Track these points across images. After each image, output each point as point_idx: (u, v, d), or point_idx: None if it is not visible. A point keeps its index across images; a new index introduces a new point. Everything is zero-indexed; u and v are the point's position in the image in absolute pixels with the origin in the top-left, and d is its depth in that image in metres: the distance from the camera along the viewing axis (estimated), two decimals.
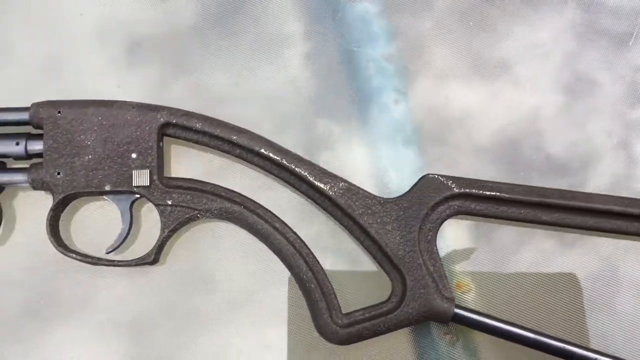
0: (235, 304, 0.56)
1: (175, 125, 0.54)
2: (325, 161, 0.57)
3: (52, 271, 0.56)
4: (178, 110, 0.54)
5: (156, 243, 0.54)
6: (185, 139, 0.55)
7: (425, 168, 0.58)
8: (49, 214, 0.53)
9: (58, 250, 0.53)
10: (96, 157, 0.53)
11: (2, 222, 0.54)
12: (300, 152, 0.54)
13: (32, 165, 0.54)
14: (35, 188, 0.53)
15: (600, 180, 0.58)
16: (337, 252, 0.57)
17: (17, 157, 0.54)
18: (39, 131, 0.54)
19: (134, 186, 0.53)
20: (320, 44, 0.60)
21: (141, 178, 0.53)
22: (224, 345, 0.55)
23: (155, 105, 0.55)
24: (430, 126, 0.59)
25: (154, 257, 0.54)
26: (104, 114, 0.53)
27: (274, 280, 0.56)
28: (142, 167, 0.53)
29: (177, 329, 0.55)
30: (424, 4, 0.60)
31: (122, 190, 0.53)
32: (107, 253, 0.54)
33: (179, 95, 0.59)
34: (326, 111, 0.58)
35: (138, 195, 0.54)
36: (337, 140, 0.58)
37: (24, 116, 0.53)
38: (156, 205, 0.53)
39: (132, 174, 0.53)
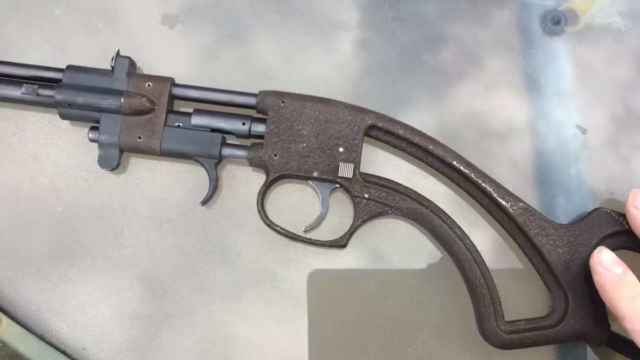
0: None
1: (379, 129, 0.61)
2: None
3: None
4: (384, 115, 0.61)
5: (349, 230, 0.60)
6: (385, 141, 0.62)
7: None
8: (261, 189, 0.60)
9: (265, 223, 0.60)
10: (309, 146, 0.60)
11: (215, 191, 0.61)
12: None
13: (253, 145, 0.61)
14: (252, 165, 0.61)
15: None
16: (501, 264, 0.62)
17: (240, 135, 0.61)
18: (261, 116, 0.61)
19: (339, 176, 0.59)
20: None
21: (346, 170, 0.59)
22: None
23: (365, 108, 0.61)
24: None
25: (346, 242, 0.60)
26: (320, 109, 0.60)
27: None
28: (347, 161, 0.60)
29: None
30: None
31: (327, 178, 0.60)
32: (305, 232, 0.61)
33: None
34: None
35: (338, 185, 0.60)
36: None
37: (251, 101, 0.61)
38: (354, 196, 0.60)
39: (338, 165, 0.60)
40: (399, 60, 0.65)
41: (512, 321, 0.59)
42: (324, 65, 0.65)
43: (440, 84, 0.65)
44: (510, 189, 0.61)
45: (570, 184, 0.63)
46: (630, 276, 0.54)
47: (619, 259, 0.55)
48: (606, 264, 0.55)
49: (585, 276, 0.58)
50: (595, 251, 0.56)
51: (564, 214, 0.63)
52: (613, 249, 0.59)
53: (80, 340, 0.61)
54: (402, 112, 0.64)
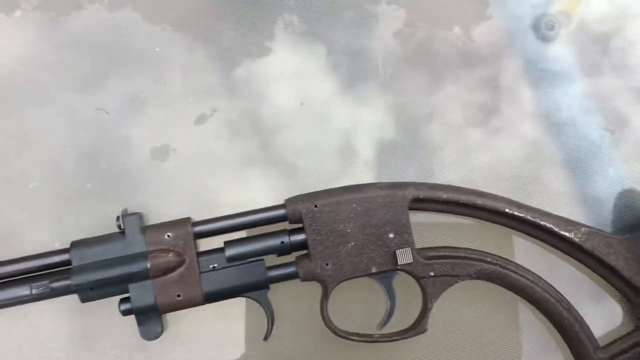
0: None
1: (422, 200, 0.57)
2: None
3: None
4: (422, 184, 0.57)
5: (425, 313, 0.57)
6: (431, 210, 0.58)
7: None
8: (322, 304, 0.56)
9: (339, 336, 0.56)
10: (358, 243, 0.56)
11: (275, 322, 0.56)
12: None
13: (298, 259, 0.56)
14: (304, 280, 0.56)
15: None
16: (579, 292, 0.60)
17: (281, 253, 0.56)
18: (296, 225, 0.56)
19: (399, 265, 0.56)
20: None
21: (405, 257, 0.56)
22: None
23: (400, 182, 0.57)
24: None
25: (426, 326, 0.57)
26: (357, 201, 0.56)
27: None
28: (402, 246, 0.56)
29: None
30: None
31: (387, 269, 0.56)
32: (380, 328, 0.57)
33: None
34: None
35: (400, 272, 0.57)
36: None
37: (280, 213, 0.56)
38: (420, 278, 0.56)
39: (394, 253, 0.56)
40: None
41: (607, 345, 0.58)
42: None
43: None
44: (564, 213, 0.58)
45: (613, 187, 0.62)
46: None
47: None
48: None
49: None
50: None
51: (618, 218, 0.61)
52: None
53: None
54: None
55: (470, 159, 0.61)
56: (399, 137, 0.60)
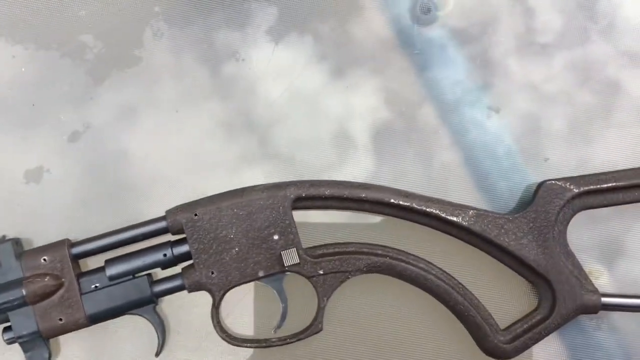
0: None
1: (304, 198, 0.56)
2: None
3: None
4: (303, 182, 0.56)
5: (318, 312, 0.56)
6: (314, 207, 0.57)
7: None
8: (212, 313, 0.55)
9: (231, 344, 0.55)
10: (243, 248, 0.55)
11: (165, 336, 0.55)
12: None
13: (183, 270, 0.55)
14: (191, 291, 0.55)
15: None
16: (476, 277, 0.59)
17: (166, 266, 0.55)
18: (179, 236, 0.55)
19: (286, 266, 0.55)
20: None
21: (290, 257, 0.55)
22: None
23: (281, 182, 0.56)
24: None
25: (321, 326, 0.56)
26: (238, 205, 0.55)
27: None
28: (287, 247, 0.55)
29: None
30: None
31: (274, 272, 0.55)
32: (275, 332, 0.56)
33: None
34: None
35: (289, 273, 0.56)
36: None
37: (161, 225, 0.55)
38: (309, 277, 0.56)
39: (279, 255, 0.55)
40: None
41: (508, 327, 0.57)
42: None
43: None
44: (453, 197, 0.58)
45: (504, 165, 0.61)
46: None
47: None
48: None
49: (558, 253, 0.56)
50: None
51: (512, 198, 0.61)
52: (571, 217, 0.58)
53: None
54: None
55: None
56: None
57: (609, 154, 0.60)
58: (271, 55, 0.60)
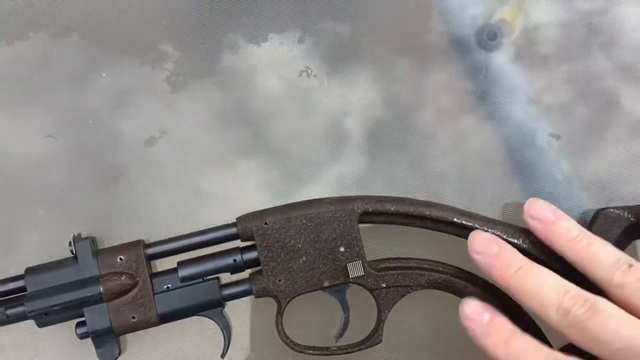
0: None
1: (370, 213, 0.58)
2: None
3: None
4: (370, 197, 0.58)
5: (379, 324, 0.58)
6: (378, 222, 0.59)
7: None
8: (277, 319, 0.57)
9: (294, 350, 0.57)
10: (310, 258, 0.57)
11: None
12: None
13: (251, 276, 0.57)
14: (258, 296, 0.57)
15: None
16: None
17: (234, 271, 0.57)
18: (248, 243, 0.57)
19: (351, 278, 0.56)
20: None
21: (356, 269, 0.57)
22: None
23: (349, 196, 0.58)
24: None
25: (381, 338, 0.58)
26: (306, 217, 0.57)
27: None
28: (353, 259, 0.57)
29: None
30: None
31: (339, 283, 0.57)
32: (336, 341, 0.58)
33: None
34: None
35: (352, 284, 0.58)
36: None
37: (232, 231, 0.57)
38: (372, 290, 0.57)
39: (345, 266, 0.57)
40: None
41: (563, 348, 0.59)
42: None
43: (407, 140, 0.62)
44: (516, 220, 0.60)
45: (561, 192, 0.63)
46: (499, 319, 0.51)
47: (485, 305, 0.52)
48: (471, 314, 0.51)
49: None
50: (460, 304, 0.52)
51: None
52: (628, 244, 0.59)
53: None
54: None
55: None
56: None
57: None
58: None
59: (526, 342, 0.50)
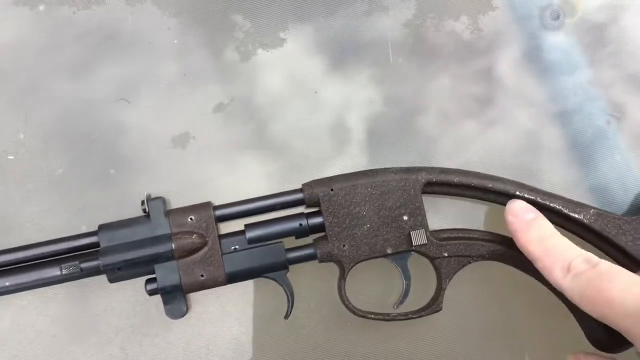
0: None
1: (434, 183, 0.59)
2: None
3: None
4: (433, 168, 0.59)
5: (439, 292, 0.59)
6: (442, 193, 0.60)
7: None
8: (340, 284, 0.58)
9: (357, 315, 0.58)
10: (374, 225, 0.58)
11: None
12: None
13: (315, 241, 0.58)
14: (322, 261, 0.58)
15: None
16: None
17: (299, 235, 0.58)
18: (313, 209, 0.58)
19: (414, 246, 0.57)
20: None
21: (419, 237, 0.58)
22: None
23: (413, 167, 0.59)
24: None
25: (441, 305, 0.59)
26: (372, 184, 0.58)
27: None
28: (416, 227, 0.58)
29: None
30: None
31: (402, 250, 0.58)
32: (397, 307, 0.59)
33: None
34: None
35: (414, 253, 0.59)
36: None
37: (298, 197, 0.58)
38: (434, 259, 0.58)
39: (408, 234, 0.58)
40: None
41: None
42: None
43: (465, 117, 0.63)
44: (572, 196, 0.60)
45: (620, 170, 0.63)
46: (542, 220, 0.55)
47: (532, 207, 0.56)
48: (517, 211, 0.56)
49: None
50: (508, 203, 0.57)
51: (624, 202, 0.63)
52: None
53: None
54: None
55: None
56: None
57: None
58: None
59: (562, 242, 0.54)
